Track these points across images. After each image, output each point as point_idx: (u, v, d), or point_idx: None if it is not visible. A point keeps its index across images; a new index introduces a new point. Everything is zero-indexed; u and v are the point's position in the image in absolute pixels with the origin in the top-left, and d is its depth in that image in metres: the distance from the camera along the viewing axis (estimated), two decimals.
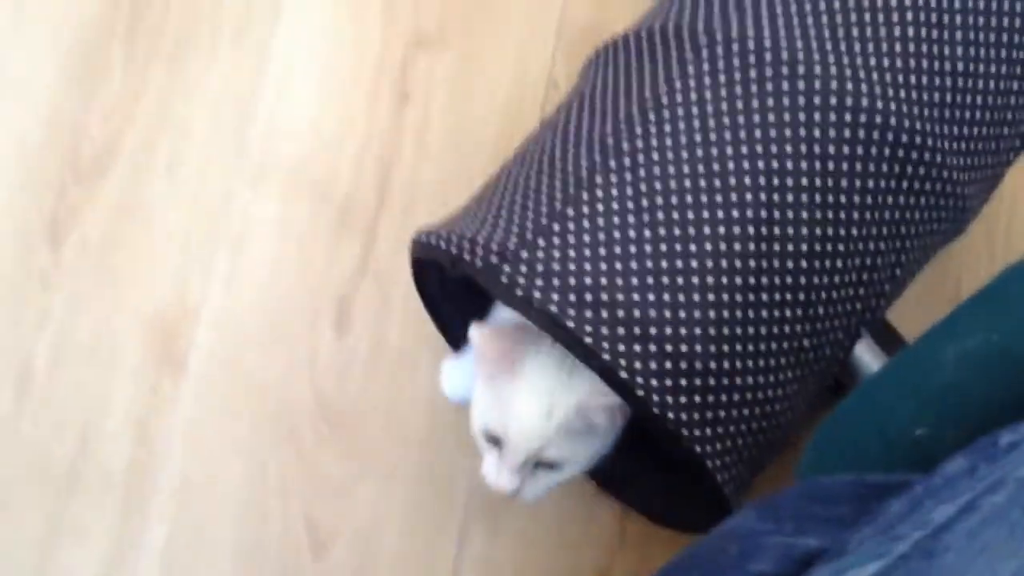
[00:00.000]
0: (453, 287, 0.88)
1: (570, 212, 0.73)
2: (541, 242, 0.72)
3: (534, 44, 1.10)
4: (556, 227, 0.73)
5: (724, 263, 0.71)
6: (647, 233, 0.71)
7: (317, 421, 1.02)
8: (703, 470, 0.72)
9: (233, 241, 1.07)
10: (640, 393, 0.68)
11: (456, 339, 0.96)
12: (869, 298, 0.78)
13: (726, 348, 0.71)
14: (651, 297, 0.70)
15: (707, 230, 0.71)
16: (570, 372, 0.75)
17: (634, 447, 0.84)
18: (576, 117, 0.81)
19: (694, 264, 0.70)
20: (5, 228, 1.07)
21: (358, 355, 1.04)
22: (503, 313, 0.83)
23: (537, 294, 0.70)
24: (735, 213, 0.71)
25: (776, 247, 0.71)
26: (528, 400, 0.74)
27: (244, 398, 1.03)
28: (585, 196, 0.74)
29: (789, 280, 0.72)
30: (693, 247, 0.71)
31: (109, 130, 1.10)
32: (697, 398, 0.70)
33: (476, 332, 0.74)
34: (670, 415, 0.69)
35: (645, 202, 0.72)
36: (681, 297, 0.70)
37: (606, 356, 0.68)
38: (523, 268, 0.70)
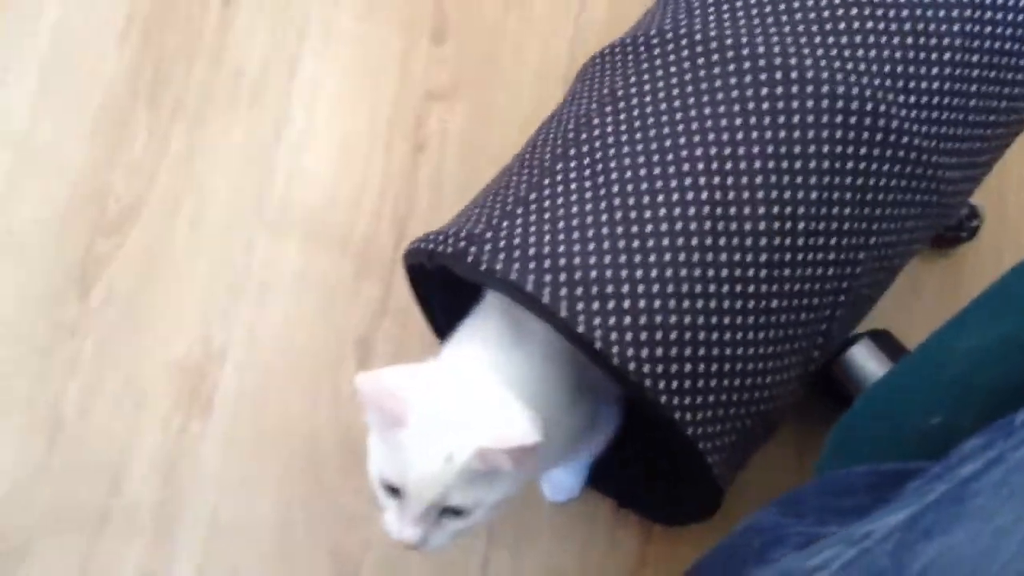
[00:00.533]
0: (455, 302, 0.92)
1: (532, 197, 0.78)
2: (505, 224, 0.77)
3: (545, 93, 1.15)
4: (520, 211, 0.78)
5: (679, 229, 0.73)
6: (602, 206, 0.74)
7: (343, 454, 1.06)
8: (675, 432, 0.73)
9: (256, 288, 1.11)
10: (599, 346, 0.70)
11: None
12: (843, 265, 0.79)
13: (686, 305, 0.72)
14: (607, 260, 0.72)
15: (661, 202, 0.74)
16: (469, 416, 0.72)
17: (627, 448, 0.87)
18: (547, 127, 0.87)
19: (649, 229, 0.73)
20: (36, 280, 1.11)
21: None
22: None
23: (499, 267, 0.74)
24: (688, 184, 0.74)
25: (732, 211, 0.74)
26: (425, 446, 0.69)
27: (270, 436, 1.07)
28: (547, 182, 0.78)
29: (749, 242, 0.74)
30: (648, 214, 0.73)
31: (134, 187, 1.15)
32: (660, 351, 0.71)
33: (360, 379, 0.70)
34: (631, 367, 0.71)
35: (601, 179, 0.76)
36: (638, 259, 0.72)
37: (564, 313, 0.70)
38: (487, 247, 0.75)
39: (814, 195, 0.75)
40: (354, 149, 1.16)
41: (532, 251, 0.74)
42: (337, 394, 1.08)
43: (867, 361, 0.99)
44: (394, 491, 0.71)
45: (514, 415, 0.72)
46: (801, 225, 0.75)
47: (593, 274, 0.72)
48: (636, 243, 0.73)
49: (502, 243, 0.75)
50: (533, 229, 0.76)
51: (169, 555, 1.04)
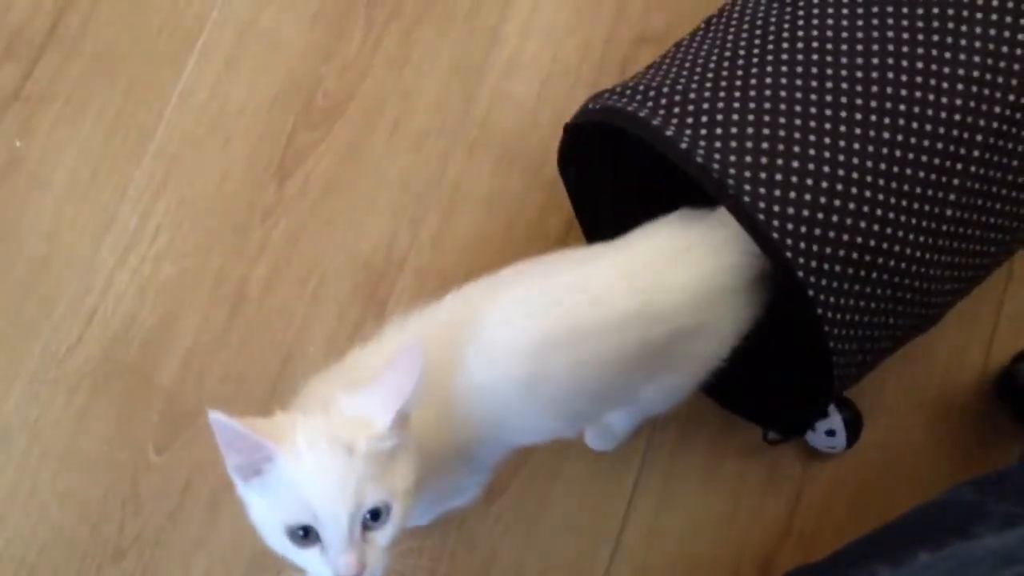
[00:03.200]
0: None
1: (711, 65, 0.79)
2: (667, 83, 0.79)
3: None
4: (695, 78, 0.79)
5: (873, 136, 0.73)
6: (817, 99, 0.74)
7: None
8: (811, 312, 0.73)
9: (446, 200, 1.13)
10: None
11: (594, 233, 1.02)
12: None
13: (850, 190, 0.73)
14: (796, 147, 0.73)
15: (859, 111, 0.74)
16: (343, 409, 0.66)
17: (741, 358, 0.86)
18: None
19: (843, 129, 0.73)
20: (239, 161, 1.15)
21: None
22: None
23: (641, 111, 0.77)
24: (888, 92, 0.74)
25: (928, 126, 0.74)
26: (317, 454, 0.63)
27: None
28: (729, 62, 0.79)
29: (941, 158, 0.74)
30: (846, 115, 0.74)
31: (344, 85, 1.18)
32: (817, 231, 0.72)
33: (213, 416, 0.62)
34: (800, 261, 0.71)
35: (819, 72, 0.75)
36: (828, 155, 0.73)
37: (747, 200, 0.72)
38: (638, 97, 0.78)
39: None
40: (559, 81, 1.17)
41: (678, 98, 0.76)
42: None
43: None
44: (305, 533, 0.63)
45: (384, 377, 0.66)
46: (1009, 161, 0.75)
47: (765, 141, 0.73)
48: (829, 139, 0.73)
49: (652, 93, 0.77)
50: (693, 86, 0.77)
51: None
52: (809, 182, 0.72)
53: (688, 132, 0.75)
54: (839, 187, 0.72)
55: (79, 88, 1.17)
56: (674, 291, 0.78)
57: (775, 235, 0.71)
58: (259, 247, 1.12)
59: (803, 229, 0.71)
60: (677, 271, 0.78)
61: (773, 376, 0.91)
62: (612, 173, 0.96)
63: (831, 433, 1.00)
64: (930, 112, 0.73)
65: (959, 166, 0.74)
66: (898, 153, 0.73)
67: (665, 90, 0.79)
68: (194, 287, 1.11)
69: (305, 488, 0.62)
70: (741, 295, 0.81)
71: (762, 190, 0.71)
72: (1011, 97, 0.74)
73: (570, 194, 1.00)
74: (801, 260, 0.71)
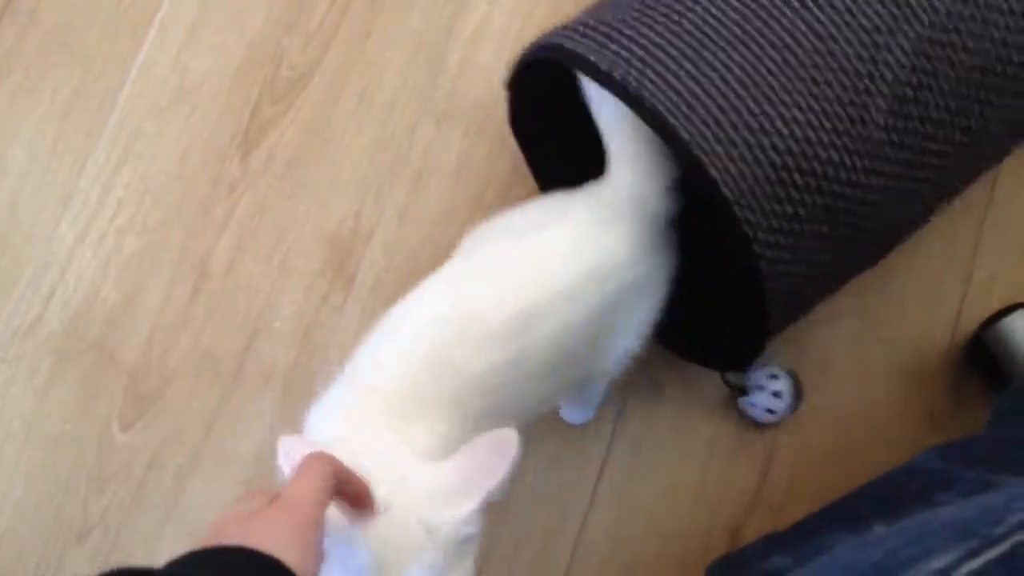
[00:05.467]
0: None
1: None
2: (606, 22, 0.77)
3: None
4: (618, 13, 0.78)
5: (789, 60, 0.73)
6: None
7: None
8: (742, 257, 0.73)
9: (413, 172, 1.12)
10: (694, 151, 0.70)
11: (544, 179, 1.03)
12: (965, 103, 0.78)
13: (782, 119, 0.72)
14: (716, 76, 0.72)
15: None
16: (417, 484, 0.62)
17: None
18: None
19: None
20: (201, 134, 1.13)
21: None
22: None
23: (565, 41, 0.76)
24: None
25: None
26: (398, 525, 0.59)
27: None
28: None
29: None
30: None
31: (307, 56, 1.16)
32: (734, 135, 0.71)
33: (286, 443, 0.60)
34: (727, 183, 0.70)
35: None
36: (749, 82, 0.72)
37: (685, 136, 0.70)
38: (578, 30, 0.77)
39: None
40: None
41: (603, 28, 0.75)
42: None
43: None
44: None
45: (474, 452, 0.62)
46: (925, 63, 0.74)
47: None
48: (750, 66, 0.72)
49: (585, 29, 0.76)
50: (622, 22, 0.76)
51: (294, 415, 1.06)
52: (722, 89, 0.71)
53: (608, 53, 0.74)
54: (755, 94, 0.72)
55: (37, 62, 1.15)
56: (612, 247, 0.78)
57: (682, 133, 0.70)
58: (223, 221, 1.11)
59: (719, 134, 0.71)
60: (610, 230, 0.79)
61: (717, 314, 0.91)
62: (565, 130, 0.96)
63: (777, 395, 1.00)
64: (848, 32, 0.73)
65: (880, 83, 0.73)
66: (819, 61, 0.72)
67: (590, 22, 0.78)
68: (157, 263, 1.09)
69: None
70: (666, 244, 0.83)
71: (674, 97, 0.71)
72: (927, 19, 0.74)
73: (525, 154, 1.01)
74: (719, 164, 0.71)
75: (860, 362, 1.05)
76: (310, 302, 1.09)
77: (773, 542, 0.84)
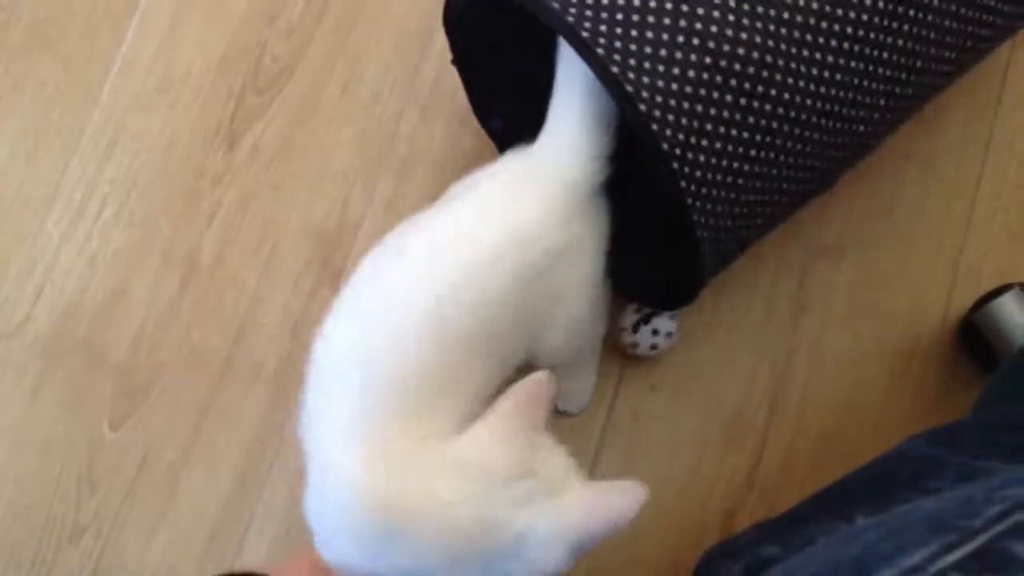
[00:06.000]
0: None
1: None
2: None
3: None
4: None
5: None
6: None
7: None
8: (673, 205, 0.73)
9: (398, 163, 1.11)
10: (630, 90, 0.69)
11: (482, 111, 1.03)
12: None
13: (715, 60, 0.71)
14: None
15: None
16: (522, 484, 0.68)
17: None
18: None
19: None
20: (185, 127, 1.12)
21: None
22: None
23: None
24: None
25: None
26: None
27: None
28: None
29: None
30: None
31: (290, 47, 1.15)
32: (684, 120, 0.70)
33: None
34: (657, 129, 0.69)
35: None
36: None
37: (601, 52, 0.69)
38: None
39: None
40: None
41: None
42: None
43: (1017, 315, 0.97)
44: None
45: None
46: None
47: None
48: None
49: None
50: None
51: (284, 410, 1.06)
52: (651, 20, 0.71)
53: None
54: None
55: (17, 59, 1.14)
56: (536, 210, 0.77)
57: (600, 51, 0.69)
58: (209, 215, 1.10)
59: (632, 47, 0.70)
60: (533, 191, 0.78)
61: (657, 254, 0.91)
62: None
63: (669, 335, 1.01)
64: None
65: None
66: None
67: None
68: (144, 259, 1.09)
69: None
70: (595, 202, 0.82)
71: (603, 28, 0.70)
72: None
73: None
74: (637, 82, 0.69)
75: (851, 346, 1.05)
76: (298, 298, 1.08)
77: (765, 530, 0.84)
